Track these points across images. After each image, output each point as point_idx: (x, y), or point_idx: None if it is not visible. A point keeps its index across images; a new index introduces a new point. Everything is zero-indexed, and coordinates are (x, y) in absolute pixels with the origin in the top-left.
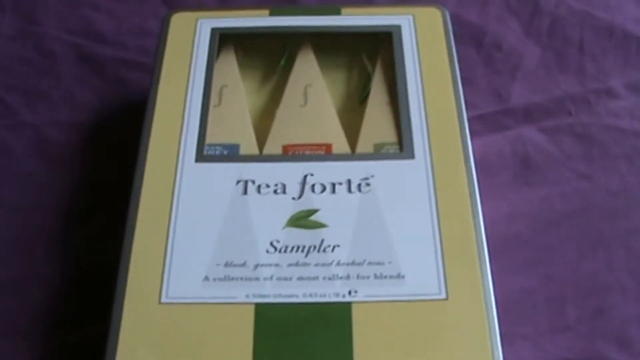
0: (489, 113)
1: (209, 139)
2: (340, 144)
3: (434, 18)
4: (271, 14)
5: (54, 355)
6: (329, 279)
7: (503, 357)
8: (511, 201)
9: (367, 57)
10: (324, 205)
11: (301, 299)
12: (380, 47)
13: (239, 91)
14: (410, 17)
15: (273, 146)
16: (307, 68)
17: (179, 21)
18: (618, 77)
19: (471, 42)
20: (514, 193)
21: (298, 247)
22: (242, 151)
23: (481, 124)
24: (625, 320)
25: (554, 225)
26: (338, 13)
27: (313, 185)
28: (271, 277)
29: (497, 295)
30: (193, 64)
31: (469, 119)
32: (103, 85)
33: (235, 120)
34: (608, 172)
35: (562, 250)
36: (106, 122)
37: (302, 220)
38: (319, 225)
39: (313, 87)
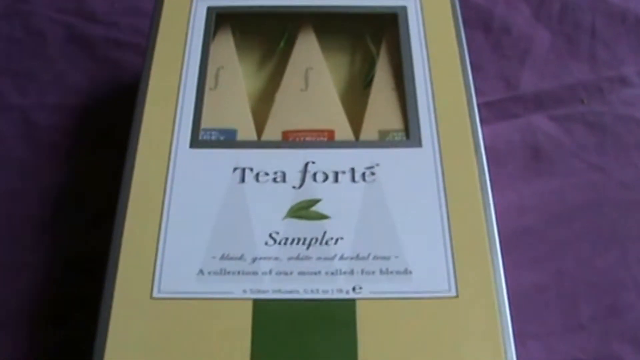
0: (497, 100)
1: (204, 124)
2: (343, 131)
3: None
4: None
5: (39, 349)
6: (332, 273)
7: (517, 358)
8: (520, 193)
9: (372, 40)
10: (326, 195)
11: (302, 295)
12: (385, 28)
13: (237, 73)
14: None
15: (272, 132)
16: (308, 50)
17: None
18: (631, 64)
19: (479, 26)
20: (523, 184)
21: (299, 240)
22: (240, 137)
23: (489, 111)
24: None
25: (565, 219)
26: None
27: (315, 174)
28: (270, 272)
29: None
30: (188, 45)
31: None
32: (94, 67)
33: (232, 104)
34: (621, 163)
35: (575, 245)
36: (97, 105)
37: (303, 210)
38: (321, 216)
39: (314, 70)
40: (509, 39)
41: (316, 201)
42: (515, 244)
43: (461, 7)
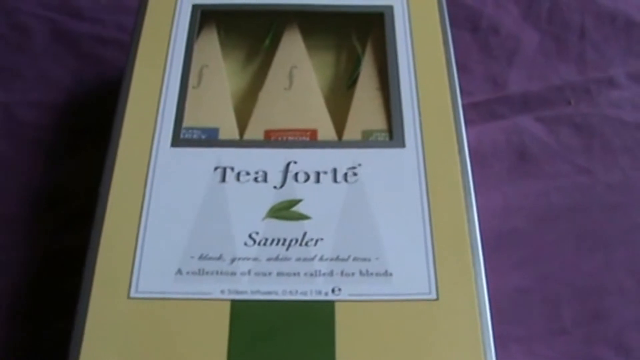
0: (484, 101)
1: (186, 122)
2: (326, 130)
3: None
4: None
5: (17, 349)
6: (311, 275)
7: None
8: (506, 195)
9: (357, 39)
10: (308, 196)
11: (280, 296)
12: (371, 28)
13: (220, 72)
14: None
15: (254, 131)
16: (293, 49)
17: None
18: (620, 66)
19: (466, 26)
20: (508, 186)
21: (278, 240)
22: (222, 136)
23: (475, 112)
24: (625, 324)
25: (550, 221)
26: None
27: (296, 174)
28: (249, 272)
29: (490, 294)
30: (172, 43)
31: (462, 107)
32: (79, 64)
33: (215, 103)
34: (608, 166)
35: (559, 248)
36: (81, 102)
37: (284, 211)
38: (302, 216)
39: (299, 69)
40: (496, 39)
41: (297, 201)
42: (500, 246)
43: (449, 7)
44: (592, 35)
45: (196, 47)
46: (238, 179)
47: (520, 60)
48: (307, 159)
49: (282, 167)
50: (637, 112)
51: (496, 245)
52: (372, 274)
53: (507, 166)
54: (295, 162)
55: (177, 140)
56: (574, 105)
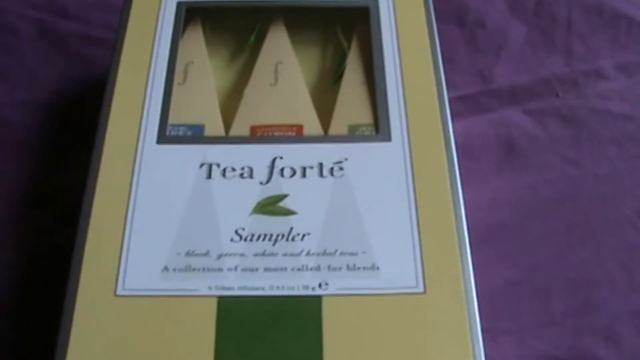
0: (472, 94)
1: (172, 119)
2: (312, 125)
3: None
4: None
5: (5, 348)
6: (298, 270)
7: (484, 354)
8: (494, 187)
9: (343, 34)
10: (294, 191)
11: (267, 292)
12: (356, 22)
13: (206, 68)
14: None
15: (240, 127)
16: (278, 44)
17: None
18: (607, 57)
19: (453, 20)
20: (497, 179)
21: (265, 236)
22: (207, 132)
23: (463, 105)
24: (614, 315)
25: (539, 214)
26: None
27: (282, 169)
28: (235, 268)
29: (479, 287)
30: (157, 40)
31: (450, 100)
32: (65, 63)
33: (200, 99)
34: (596, 158)
35: (548, 240)
36: (68, 102)
37: (270, 206)
38: (288, 212)
39: (284, 64)
40: (483, 33)
41: (283, 197)
42: (489, 239)
43: (436, 1)
44: (579, 27)
45: (181, 44)
46: (224, 175)
47: (508, 53)
48: (293, 154)
49: (268, 162)
50: (624, 104)
51: (485, 238)
52: (359, 268)
53: (495, 159)
54: (281, 158)
55: (163, 137)
56: (562, 98)
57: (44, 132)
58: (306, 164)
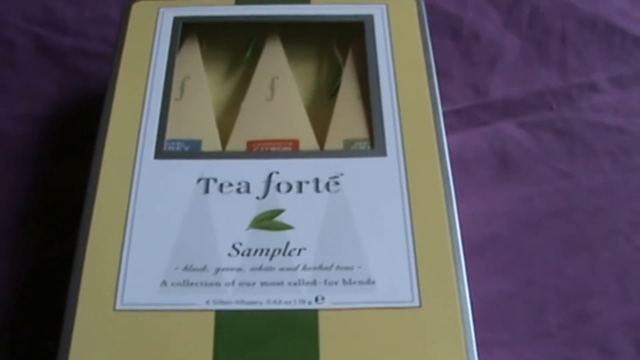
0: (466, 107)
1: (169, 135)
2: (308, 140)
3: (408, 7)
4: (237, 3)
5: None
6: (295, 284)
7: None
8: (489, 200)
9: (338, 49)
10: (290, 206)
11: (265, 306)
12: (352, 37)
13: (202, 84)
14: (384, 6)
15: (237, 142)
16: (274, 59)
17: (140, 10)
18: (601, 70)
19: (448, 33)
20: (492, 192)
21: (262, 250)
22: (204, 147)
23: (458, 119)
24: (609, 326)
25: (534, 226)
26: (307, 2)
27: (279, 184)
28: (233, 282)
29: (474, 300)
30: (154, 55)
31: (444, 114)
32: (63, 77)
33: (197, 115)
34: (591, 171)
35: (543, 252)
36: (66, 116)
37: (267, 221)
38: (285, 226)
39: (280, 79)
40: (478, 46)
41: (280, 211)
42: (484, 251)
43: (430, 14)
44: (573, 40)
45: (178, 59)
46: (221, 190)
47: (502, 66)
48: (289, 169)
49: (264, 177)
50: (618, 117)
51: (480, 251)
52: (355, 282)
53: (489, 172)
54: (277, 173)
55: (161, 153)
56: (556, 111)
57: (43, 145)
58: (302, 179)
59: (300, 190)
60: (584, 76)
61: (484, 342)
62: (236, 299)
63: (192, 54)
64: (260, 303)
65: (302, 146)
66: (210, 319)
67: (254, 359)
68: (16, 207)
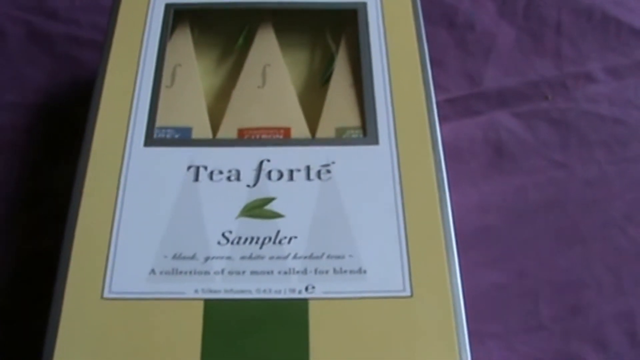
0: (460, 97)
1: (159, 122)
2: (300, 128)
3: None
4: None
5: None
6: (285, 273)
7: (471, 358)
8: (482, 191)
9: (331, 36)
10: (281, 194)
11: (254, 295)
12: (345, 25)
13: (193, 71)
14: None
15: (228, 130)
16: (266, 47)
17: None
18: (597, 60)
19: (442, 22)
20: (485, 182)
21: (252, 239)
22: (195, 135)
23: (452, 108)
24: (602, 319)
25: (527, 217)
26: None
27: (269, 172)
28: (222, 271)
29: (467, 291)
30: (145, 42)
31: (438, 103)
32: (54, 65)
33: (188, 102)
34: (585, 161)
35: (536, 243)
36: (56, 104)
37: (257, 209)
38: (275, 215)
39: (272, 67)
40: (473, 35)
41: (270, 200)
42: (477, 242)
43: (425, 3)
44: (568, 30)
45: (169, 47)
46: (211, 178)
47: (497, 56)
48: (280, 157)
49: (255, 165)
50: (613, 107)
51: (473, 241)
52: (345, 271)
53: (483, 162)
54: (268, 161)
55: (150, 140)
56: (551, 100)
57: (32, 133)
58: (293, 167)
59: (291, 179)
60: (580, 66)
61: (476, 333)
62: (225, 288)
63: (183, 41)
64: (250, 292)
65: (294, 134)
66: (199, 308)
67: (243, 348)
68: (6, 195)
